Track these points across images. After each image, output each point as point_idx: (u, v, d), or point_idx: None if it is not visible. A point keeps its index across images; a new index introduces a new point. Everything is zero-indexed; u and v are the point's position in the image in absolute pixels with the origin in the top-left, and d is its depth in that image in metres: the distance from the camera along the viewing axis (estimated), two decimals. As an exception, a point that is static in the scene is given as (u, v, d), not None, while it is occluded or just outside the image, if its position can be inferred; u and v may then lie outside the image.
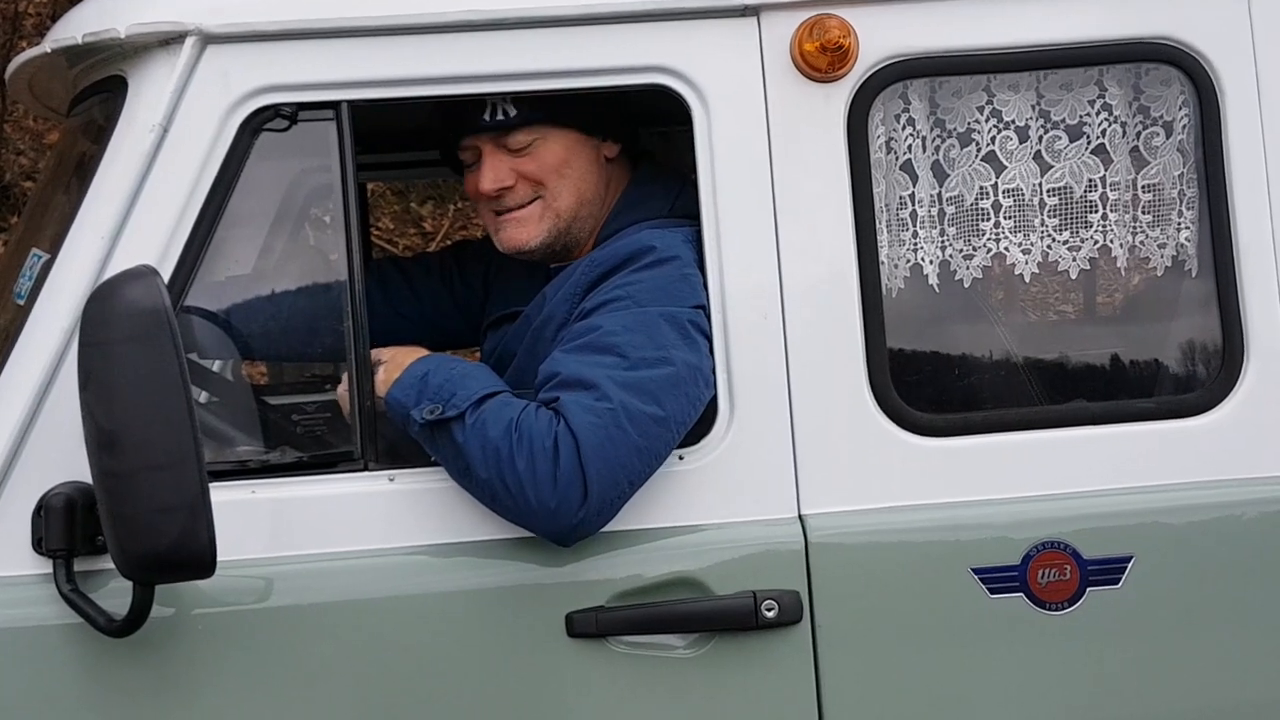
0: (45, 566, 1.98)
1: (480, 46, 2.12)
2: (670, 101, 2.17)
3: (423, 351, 2.21)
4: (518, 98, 2.25)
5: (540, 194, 2.33)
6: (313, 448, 2.23)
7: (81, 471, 1.91)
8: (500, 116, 2.27)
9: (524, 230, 2.34)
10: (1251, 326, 2.19)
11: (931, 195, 2.23)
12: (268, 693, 2.03)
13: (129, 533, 1.80)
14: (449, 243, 6.62)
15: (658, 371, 2.04)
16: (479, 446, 2.01)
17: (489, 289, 2.75)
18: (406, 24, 2.10)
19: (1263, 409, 2.19)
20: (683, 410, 2.06)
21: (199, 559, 1.82)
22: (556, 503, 1.99)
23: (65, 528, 1.96)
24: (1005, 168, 2.23)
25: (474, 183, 2.36)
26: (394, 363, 2.16)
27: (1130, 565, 2.14)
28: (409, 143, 3.12)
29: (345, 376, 2.15)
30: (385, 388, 2.13)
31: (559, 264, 2.40)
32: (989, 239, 2.23)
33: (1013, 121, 2.22)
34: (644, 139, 3.03)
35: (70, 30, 2.17)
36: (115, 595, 1.95)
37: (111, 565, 1.87)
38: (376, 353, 2.17)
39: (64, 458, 1.99)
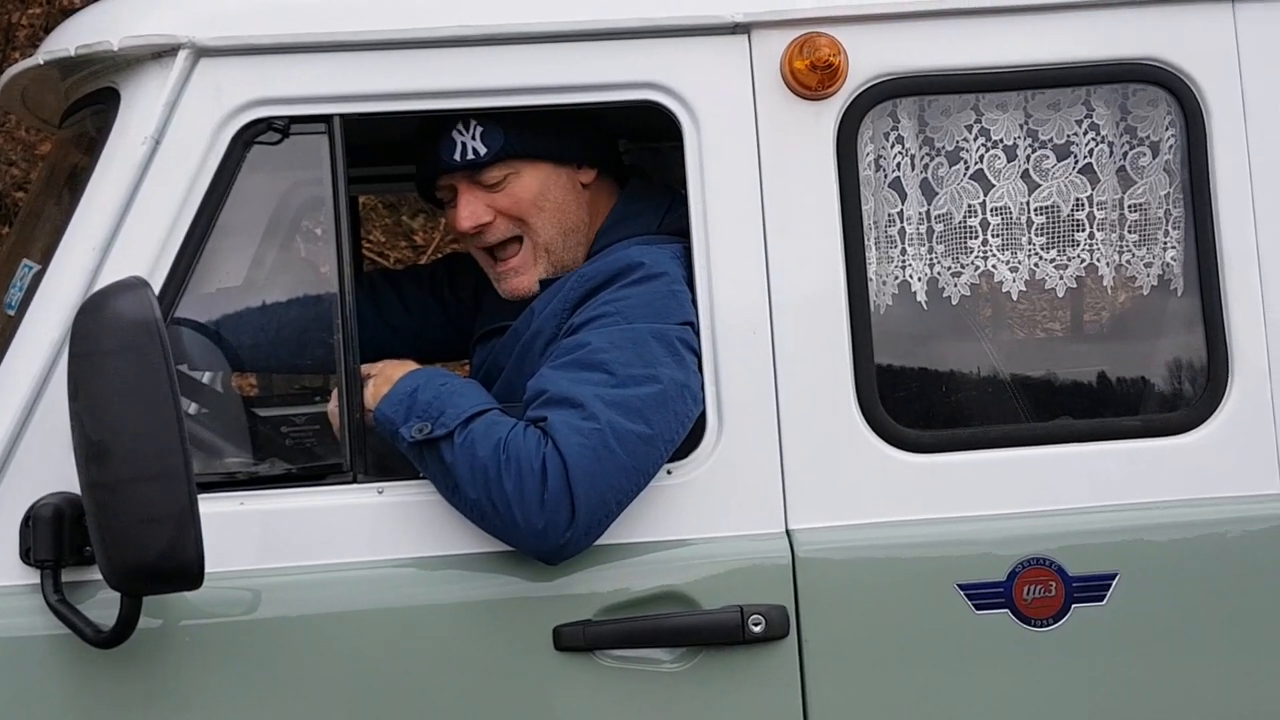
0: (33, 577, 1.98)
1: (472, 61, 2.13)
2: (660, 117, 2.18)
3: (412, 365, 2.21)
4: (487, 134, 2.26)
5: (521, 231, 2.34)
6: (302, 460, 2.23)
7: (70, 482, 1.92)
8: (470, 155, 2.28)
9: (523, 279, 2.36)
10: (1236, 346, 2.20)
11: (920, 213, 2.24)
12: (255, 704, 2.02)
13: (117, 544, 1.81)
14: (440, 256, 6.62)
15: (645, 390, 2.05)
16: (467, 466, 2.01)
17: (479, 301, 2.75)
18: (399, 38, 2.11)
19: (1247, 428, 2.20)
20: (670, 428, 2.07)
21: (187, 570, 1.83)
22: (544, 523, 1.99)
23: (53, 538, 1.96)
24: (993, 186, 2.24)
25: (454, 220, 2.37)
26: (383, 377, 2.16)
27: (1115, 582, 2.15)
28: (401, 156, 3.13)
29: (335, 392, 2.15)
30: (374, 402, 2.13)
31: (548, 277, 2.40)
32: (977, 257, 2.24)
33: (1001, 140, 2.23)
34: (633, 154, 3.05)
35: (63, 42, 2.17)
36: (103, 606, 1.95)
37: (99, 576, 1.87)
38: (366, 367, 2.18)
39: (53, 468, 1.99)
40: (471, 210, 2.33)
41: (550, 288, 2.33)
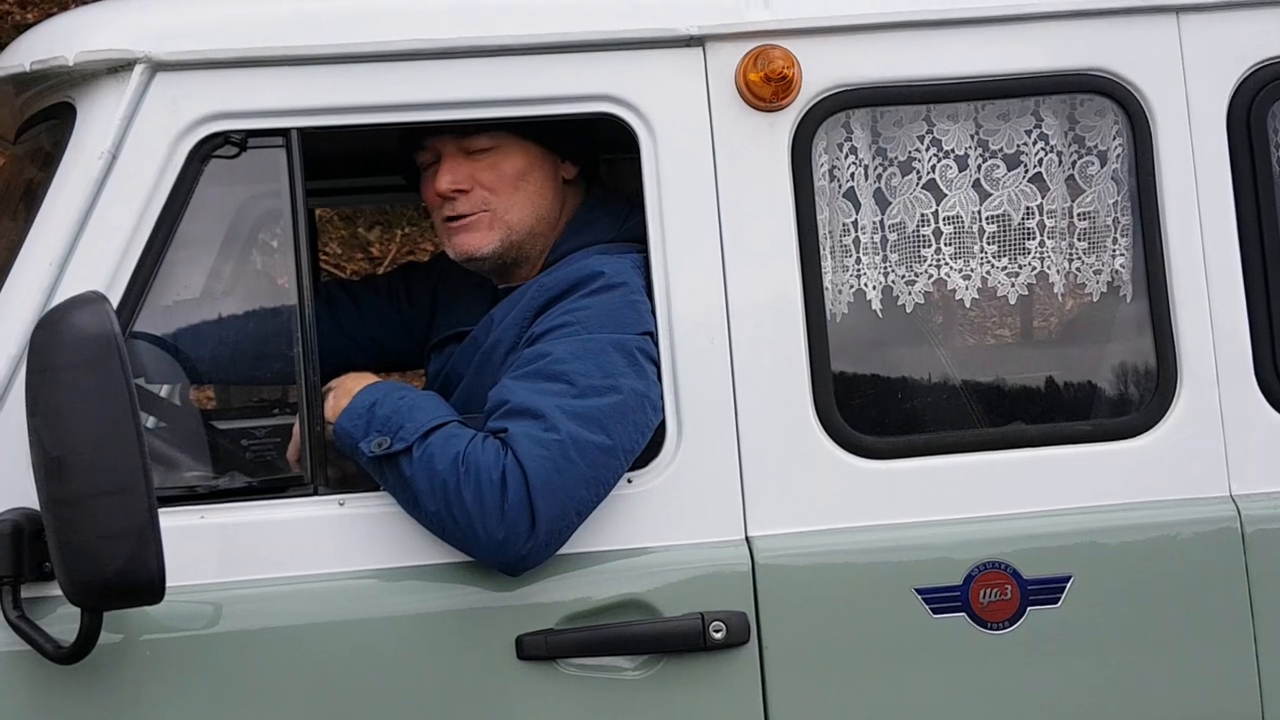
0: (-9, 593, 1.97)
1: (429, 75, 2.14)
2: (617, 129, 2.20)
3: (371, 378, 2.21)
4: None
5: (492, 206, 2.33)
6: (262, 472, 2.23)
7: (29, 497, 1.91)
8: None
9: (475, 236, 2.34)
10: (1184, 351, 2.24)
11: (874, 222, 2.27)
12: (218, 718, 2.02)
13: (77, 559, 1.80)
14: (396, 266, 6.59)
15: (605, 400, 2.06)
16: (426, 479, 2.02)
17: (435, 309, 2.76)
18: (356, 52, 2.12)
19: (1195, 431, 2.23)
20: (630, 438, 2.08)
21: (147, 585, 1.83)
22: (504, 534, 2.00)
23: (12, 554, 1.94)
24: (945, 195, 2.27)
25: (430, 186, 2.35)
26: (342, 390, 2.16)
27: (1069, 584, 2.18)
28: (358, 168, 3.14)
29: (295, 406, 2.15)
30: (333, 415, 2.13)
31: (506, 285, 2.41)
32: (930, 265, 2.27)
33: (952, 150, 2.26)
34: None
35: (18, 58, 2.17)
36: (63, 621, 1.94)
37: (59, 591, 1.87)
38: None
39: (12, 484, 1.99)
40: (453, 175, 2.31)
41: (510, 297, 2.34)
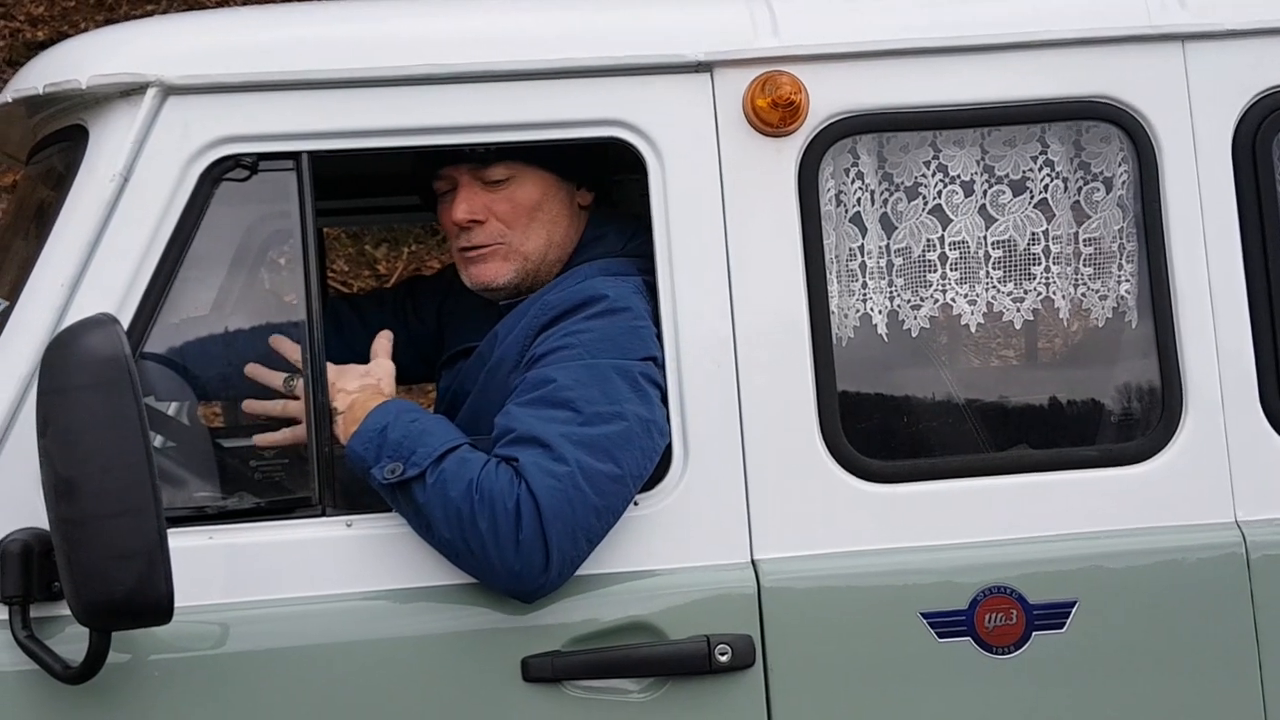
0: (0, 613, 1.98)
1: (439, 99, 2.15)
2: (626, 151, 2.21)
3: (381, 398, 2.21)
4: None
5: (507, 239, 2.35)
6: (271, 493, 2.24)
7: (39, 518, 1.92)
8: (480, 148, 2.27)
9: (491, 267, 2.35)
10: (1190, 376, 2.25)
11: (880, 247, 2.28)
12: (224, 739, 2.03)
13: (86, 579, 1.81)
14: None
15: (611, 428, 2.07)
16: (440, 506, 2.02)
17: (442, 324, 2.76)
18: (367, 77, 2.13)
19: (1201, 457, 2.24)
20: (638, 465, 2.09)
21: (156, 606, 1.83)
22: (520, 565, 2.01)
23: (22, 574, 1.95)
24: (951, 221, 2.28)
25: (447, 213, 2.37)
26: (351, 415, 2.16)
27: (1075, 609, 2.18)
28: (367, 189, 3.15)
29: (300, 422, 2.16)
30: (344, 439, 2.14)
31: (510, 301, 2.42)
32: (936, 290, 2.28)
33: (958, 176, 2.27)
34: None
35: (31, 80, 2.18)
36: (71, 641, 1.95)
37: (68, 611, 1.87)
38: (333, 376, 2.17)
39: (22, 504, 1.99)
40: (470, 205, 2.32)
41: (513, 312, 2.34)
